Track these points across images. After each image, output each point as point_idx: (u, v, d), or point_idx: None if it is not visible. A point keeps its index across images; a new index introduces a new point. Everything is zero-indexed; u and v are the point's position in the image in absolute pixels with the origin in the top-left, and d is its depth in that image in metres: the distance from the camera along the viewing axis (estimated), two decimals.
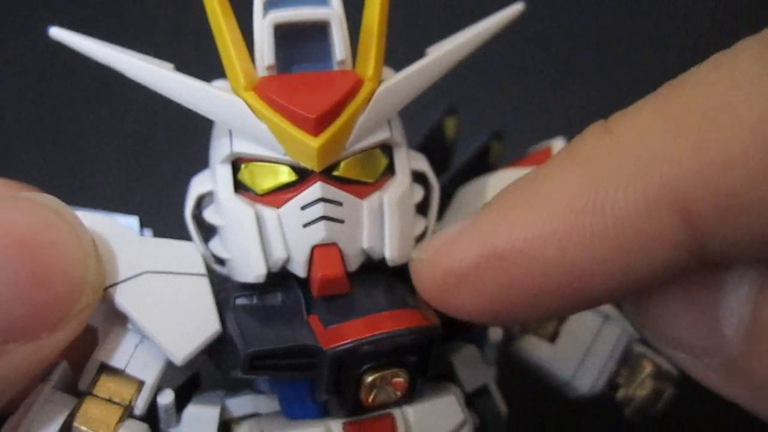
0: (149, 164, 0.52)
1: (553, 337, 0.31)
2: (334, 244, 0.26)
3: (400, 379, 0.26)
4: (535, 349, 0.31)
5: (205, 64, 0.27)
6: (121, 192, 0.52)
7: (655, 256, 0.21)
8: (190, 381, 0.28)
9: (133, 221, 0.28)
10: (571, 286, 0.22)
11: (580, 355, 0.31)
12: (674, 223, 0.20)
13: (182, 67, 0.27)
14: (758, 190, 0.19)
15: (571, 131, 0.35)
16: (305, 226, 0.26)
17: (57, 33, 0.27)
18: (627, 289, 0.22)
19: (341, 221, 0.26)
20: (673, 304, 0.23)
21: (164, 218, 0.28)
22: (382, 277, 0.27)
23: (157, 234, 0.28)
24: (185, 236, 0.28)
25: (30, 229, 0.24)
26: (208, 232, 0.28)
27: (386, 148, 0.27)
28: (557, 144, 0.33)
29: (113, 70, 0.27)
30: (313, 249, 0.26)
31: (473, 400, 0.29)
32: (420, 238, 0.28)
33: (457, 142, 0.37)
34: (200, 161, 0.29)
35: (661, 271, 0.21)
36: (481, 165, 0.35)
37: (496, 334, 0.30)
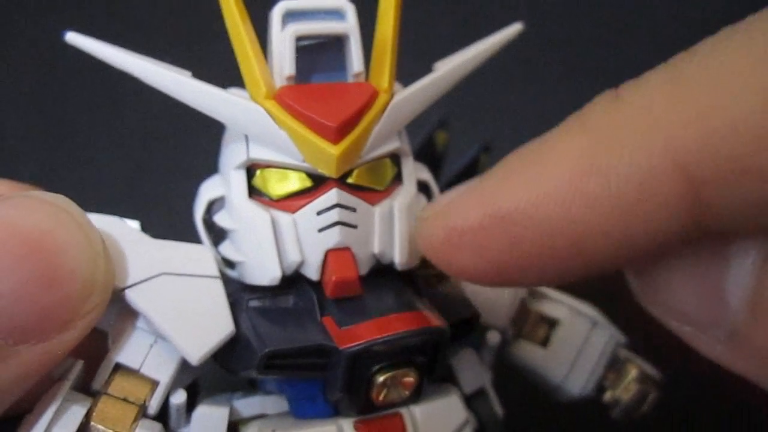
0: (150, 167, 0.52)
1: (544, 342, 0.33)
2: (348, 248, 0.27)
3: (410, 379, 0.27)
4: (528, 353, 0.33)
5: (202, 69, 0.28)
6: (121, 195, 0.52)
7: (657, 221, 0.20)
8: (190, 386, 0.29)
9: (134, 226, 0.28)
10: (573, 250, 0.21)
11: (571, 359, 0.32)
12: (678, 188, 0.20)
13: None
14: (763, 155, 0.19)
15: None
16: (320, 230, 0.26)
17: (73, 38, 0.27)
18: (628, 255, 0.22)
19: (354, 226, 0.27)
20: (677, 276, 0.23)
21: (164, 220, 0.29)
22: (391, 281, 0.28)
23: (158, 237, 0.28)
24: (185, 239, 0.28)
25: (39, 228, 0.24)
26: (217, 235, 0.28)
27: (395, 158, 0.28)
28: None
29: (118, 74, 0.27)
30: (327, 253, 0.27)
31: (471, 402, 0.30)
32: None
33: (447, 154, 0.38)
34: (200, 164, 0.30)
35: (662, 238, 0.21)
36: (470, 176, 0.36)
37: (493, 338, 0.31)
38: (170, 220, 0.29)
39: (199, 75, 0.27)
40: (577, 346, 0.32)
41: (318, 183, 0.27)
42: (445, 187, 0.35)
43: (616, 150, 0.21)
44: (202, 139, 0.29)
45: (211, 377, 0.29)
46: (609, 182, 0.21)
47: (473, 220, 0.23)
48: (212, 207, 0.28)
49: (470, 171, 0.36)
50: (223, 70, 0.28)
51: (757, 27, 0.20)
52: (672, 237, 0.21)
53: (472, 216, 0.23)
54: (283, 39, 0.26)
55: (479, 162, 0.37)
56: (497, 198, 0.22)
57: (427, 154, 0.37)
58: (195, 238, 0.29)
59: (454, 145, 0.37)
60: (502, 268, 0.23)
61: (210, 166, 0.29)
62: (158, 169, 0.52)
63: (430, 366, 0.27)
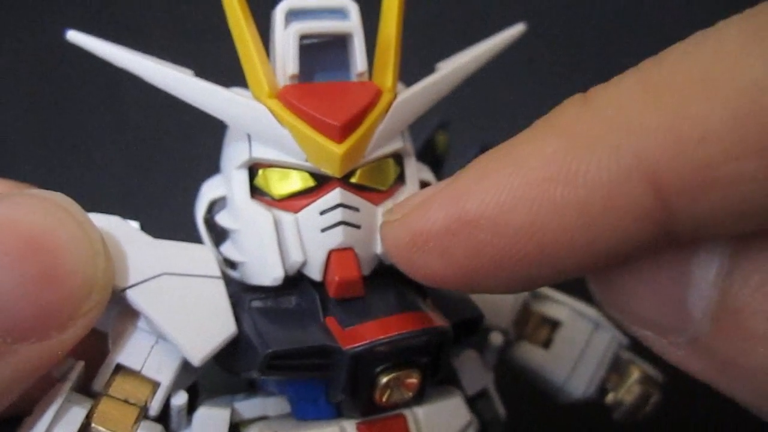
0: (150, 167, 0.52)
1: (546, 344, 0.33)
2: (351, 249, 0.26)
3: (413, 380, 0.27)
4: (530, 355, 0.33)
5: (204, 68, 0.27)
6: (122, 195, 0.51)
7: (624, 228, 0.20)
8: (190, 388, 0.29)
9: (134, 226, 0.28)
10: (539, 256, 0.21)
11: (573, 361, 0.32)
12: (645, 195, 0.20)
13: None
14: (732, 164, 0.19)
15: None
16: (323, 230, 0.26)
17: (74, 37, 0.27)
18: (595, 262, 0.21)
19: (357, 226, 0.27)
20: (639, 282, 0.23)
21: (164, 220, 0.28)
22: (393, 282, 0.28)
23: (158, 237, 0.28)
24: (186, 240, 0.28)
25: (38, 226, 0.24)
26: (218, 236, 0.28)
27: (398, 158, 0.28)
28: None
29: (118, 73, 0.27)
30: (330, 253, 0.26)
31: (474, 404, 0.30)
32: None
33: (447, 156, 0.38)
34: (201, 164, 0.30)
35: (629, 245, 0.21)
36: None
37: (496, 339, 0.31)
38: (171, 221, 0.28)
39: (201, 74, 0.27)
40: (580, 348, 0.32)
41: (321, 182, 0.26)
42: None
43: (585, 156, 0.20)
44: (202, 139, 0.29)
45: (211, 379, 0.29)
46: (577, 189, 0.20)
47: (440, 224, 0.22)
48: (214, 207, 0.28)
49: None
50: (225, 70, 0.28)
51: (727, 33, 0.20)
52: (638, 245, 0.21)
53: (438, 220, 0.22)
54: (286, 38, 0.26)
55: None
56: (463, 202, 0.22)
57: (427, 156, 0.37)
58: (196, 239, 0.28)
59: (455, 147, 0.37)
60: (467, 273, 0.23)
61: (211, 167, 0.29)
62: (159, 169, 0.51)
63: (433, 367, 0.27)
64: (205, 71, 0.27)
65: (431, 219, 0.23)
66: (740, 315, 0.21)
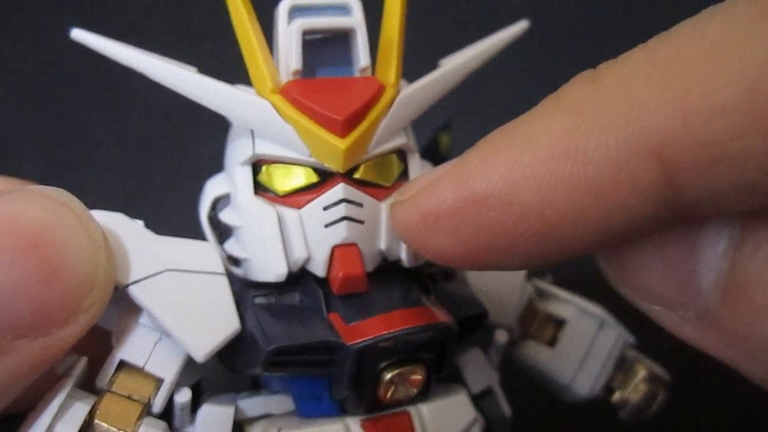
0: (152, 166, 0.52)
1: (552, 342, 0.33)
2: (354, 244, 0.26)
3: (418, 376, 0.26)
4: (535, 353, 0.33)
5: (207, 65, 0.28)
6: (124, 193, 0.51)
7: (631, 205, 0.20)
8: (194, 386, 0.29)
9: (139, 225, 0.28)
10: (549, 233, 0.21)
11: (579, 359, 0.32)
12: (652, 172, 0.20)
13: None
14: (740, 140, 0.19)
15: None
16: (327, 226, 0.26)
17: (79, 35, 0.27)
18: (603, 239, 0.21)
19: (361, 222, 0.26)
20: (649, 257, 0.23)
21: (166, 219, 0.28)
22: (397, 277, 0.27)
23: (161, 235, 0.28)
24: (187, 236, 0.28)
25: (38, 222, 0.23)
26: (222, 233, 0.28)
27: (401, 154, 0.28)
28: None
29: (119, 73, 0.27)
30: (333, 249, 0.26)
31: (478, 402, 0.30)
32: None
33: (450, 156, 0.38)
34: (203, 162, 0.30)
35: (637, 222, 0.21)
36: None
37: (501, 337, 0.31)
38: (173, 220, 0.28)
39: (204, 71, 0.27)
40: (585, 346, 0.32)
41: (324, 178, 0.26)
42: None
43: (593, 133, 0.20)
44: (204, 138, 0.29)
45: (215, 377, 0.29)
46: (585, 166, 0.20)
47: (449, 204, 0.23)
48: (217, 204, 0.28)
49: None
50: (228, 67, 0.28)
51: (737, 8, 0.19)
52: (646, 221, 0.21)
53: (448, 199, 0.23)
54: (289, 33, 0.26)
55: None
56: (473, 181, 0.22)
57: (430, 156, 0.37)
58: (199, 237, 0.28)
59: (458, 147, 0.37)
60: (478, 251, 0.23)
61: (213, 165, 0.29)
62: (161, 168, 0.51)
63: (437, 363, 0.27)
64: (208, 69, 0.27)
65: (440, 198, 0.23)
66: (749, 287, 0.21)
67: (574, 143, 0.21)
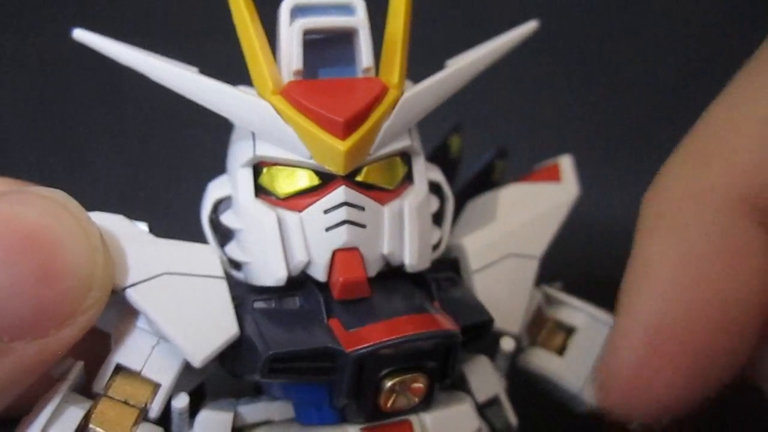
0: (153, 167, 0.52)
1: (561, 350, 0.32)
2: (356, 249, 0.26)
3: (419, 385, 0.26)
4: (544, 362, 0.32)
5: (208, 66, 0.27)
6: (124, 195, 0.51)
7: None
8: (196, 391, 0.28)
9: (142, 227, 0.28)
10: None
11: (588, 368, 0.31)
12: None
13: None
14: None
15: (576, 144, 0.35)
16: (328, 230, 0.26)
17: (80, 35, 0.26)
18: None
19: (363, 226, 0.26)
20: None
21: (167, 221, 0.28)
22: (401, 283, 0.27)
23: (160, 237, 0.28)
24: (187, 239, 0.28)
25: (35, 223, 0.23)
26: (223, 236, 0.28)
27: (405, 157, 0.27)
28: (564, 161, 0.34)
29: (120, 73, 0.27)
30: (334, 253, 0.26)
31: (484, 411, 0.29)
32: (435, 248, 0.28)
33: (461, 159, 0.37)
34: (204, 164, 0.29)
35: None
36: (486, 181, 0.35)
37: (508, 344, 0.30)
38: (173, 222, 0.28)
39: (205, 72, 0.27)
40: (595, 355, 0.31)
41: (326, 181, 0.26)
42: (459, 192, 0.34)
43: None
44: (206, 140, 0.28)
45: (216, 382, 0.29)
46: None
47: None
48: (219, 207, 0.28)
49: (485, 177, 0.36)
50: (230, 67, 0.27)
51: None
52: None
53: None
54: (291, 33, 0.26)
55: (495, 168, 0.36)
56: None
57: (441, 159, 0.36)
58: (199, 240, 0.28)
59: (469, 150, 0.37)
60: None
61: (215, 166, 0.29)
62: (161, 169, 0.51)
63: (441, 372, 0.26)
64: (211, 69, 0.27)
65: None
66: None
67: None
